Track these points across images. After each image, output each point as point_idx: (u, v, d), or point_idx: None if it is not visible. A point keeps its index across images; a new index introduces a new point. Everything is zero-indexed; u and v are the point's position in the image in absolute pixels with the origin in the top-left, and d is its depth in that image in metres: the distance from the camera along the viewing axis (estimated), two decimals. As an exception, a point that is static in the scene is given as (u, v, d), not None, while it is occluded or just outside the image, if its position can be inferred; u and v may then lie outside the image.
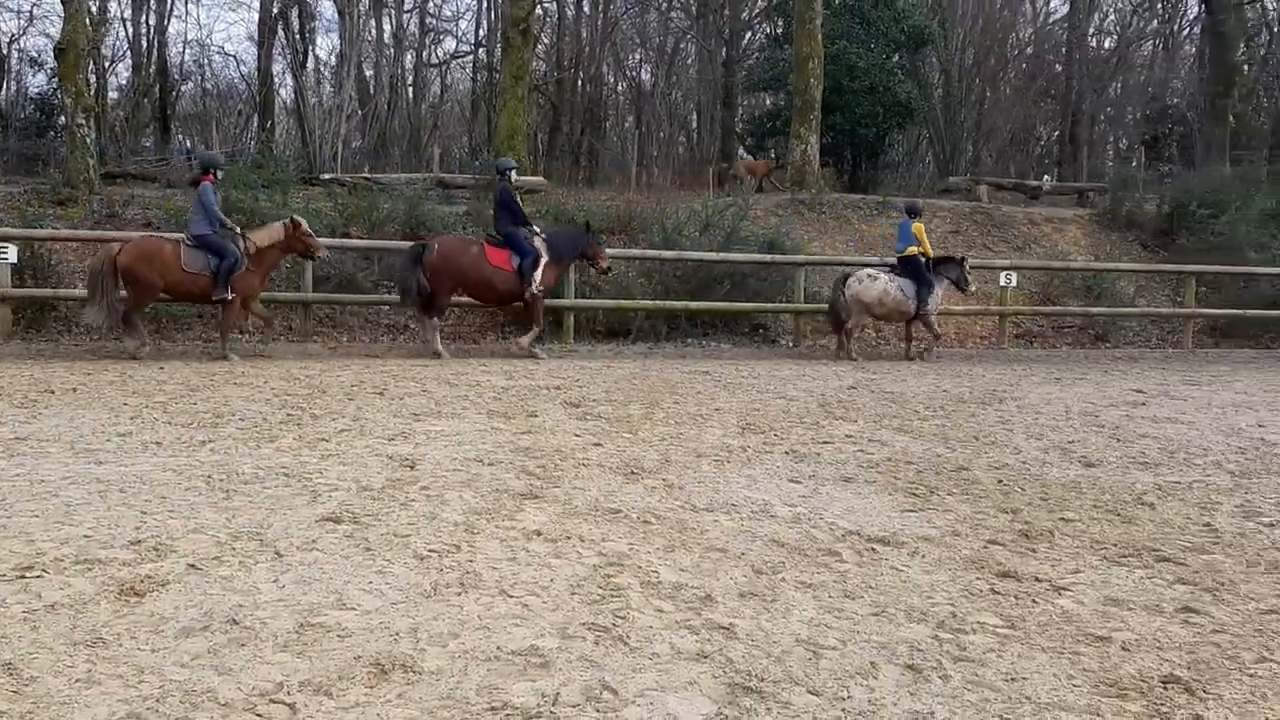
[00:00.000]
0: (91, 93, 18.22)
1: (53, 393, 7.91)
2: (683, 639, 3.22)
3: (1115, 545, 4.48)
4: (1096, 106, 34.11)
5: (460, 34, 37.55)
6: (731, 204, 16.44)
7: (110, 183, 16.42)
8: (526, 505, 4.79)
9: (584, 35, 33.75)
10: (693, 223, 15.59)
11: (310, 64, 30.10)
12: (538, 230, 12.09)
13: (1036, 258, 17.78)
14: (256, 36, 29.69)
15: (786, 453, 6.36)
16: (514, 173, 12.50)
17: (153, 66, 29.47)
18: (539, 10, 27.17)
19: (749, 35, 34.51)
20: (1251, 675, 3.12)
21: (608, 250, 12.94)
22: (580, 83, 33.56)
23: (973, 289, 13.92)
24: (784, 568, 4.00)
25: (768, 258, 14.76)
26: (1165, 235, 19.09)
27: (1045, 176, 25.58)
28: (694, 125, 37.17)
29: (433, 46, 35.75)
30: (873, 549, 4.31)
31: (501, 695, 2.78)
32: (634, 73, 37.78)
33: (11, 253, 11.99)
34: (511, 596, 3.55)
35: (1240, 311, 16.54)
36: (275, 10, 28.70)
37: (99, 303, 10.60)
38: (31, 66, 27.82)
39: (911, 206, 13.89)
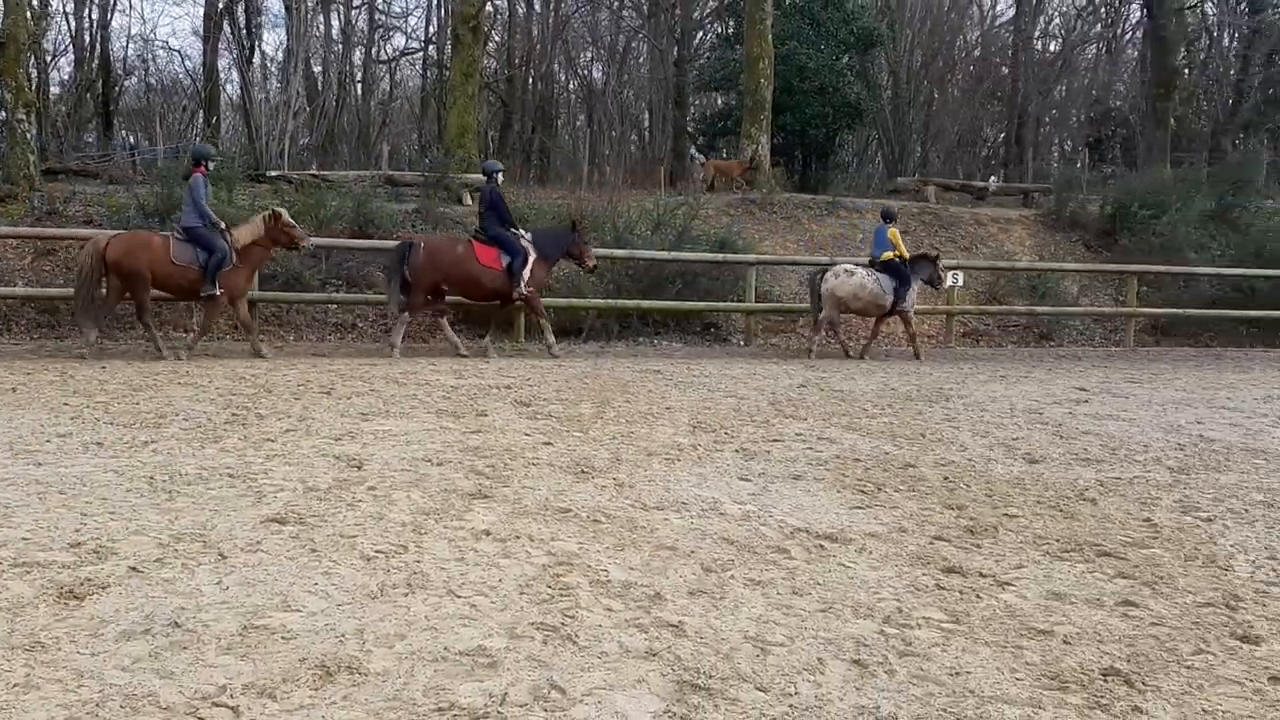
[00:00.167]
0: (32, 88, 17.85)
1: (-10, 393, 7.74)
2: (631, 637, 3.23)
3: (1058, 540, 4.56)
4: (1042, 109, 34.62)
5: (410, 30, 37.45)
6: (683, 203, 16.46)
7: (51, 179, 16.08)
8: (475, 505, 4.77)
9: (535, 33, 33.65)
10: (644, 221, 15.59)
11: (257, 59, 29.73)
12: (524, 232, 12.12)
13: (983, 258, 17.99)
14: (202, 31, 29.26)
15: (737, 451, 6.38)
16: (500, 175, 12.49)
17: (95, 61, 28.93)
18: (489, 7, 27.05)
19: (700, 35, 34.61)
20: (1189, 667, 3.19)
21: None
22: (531, 81, 33.46)
23: (945, 285, 14.10)
24: (733, 565, 4.02)
25: (719, 257, 14.80)
26: (1108, 235, 19.40)
27: (992, 178, 25.85)
28: (646, 124, 37.19)
29: (382, 43, 35.50)
30: (821, 546, 4.35)
31: (449, 696, 2.77)
32: (585, 71, 37.76)
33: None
34: (459, 597, 3.53)
35: (1180, 310, 16.86)
36: (221, 5, 28.29)
37: (82, 299, 10.48)
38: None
39: (887, 212, 14.03)
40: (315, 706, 2.69)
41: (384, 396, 8.07)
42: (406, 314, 11.83)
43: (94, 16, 29.36)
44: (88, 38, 29.39)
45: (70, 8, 29.07)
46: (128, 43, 39.84)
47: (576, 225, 12.64)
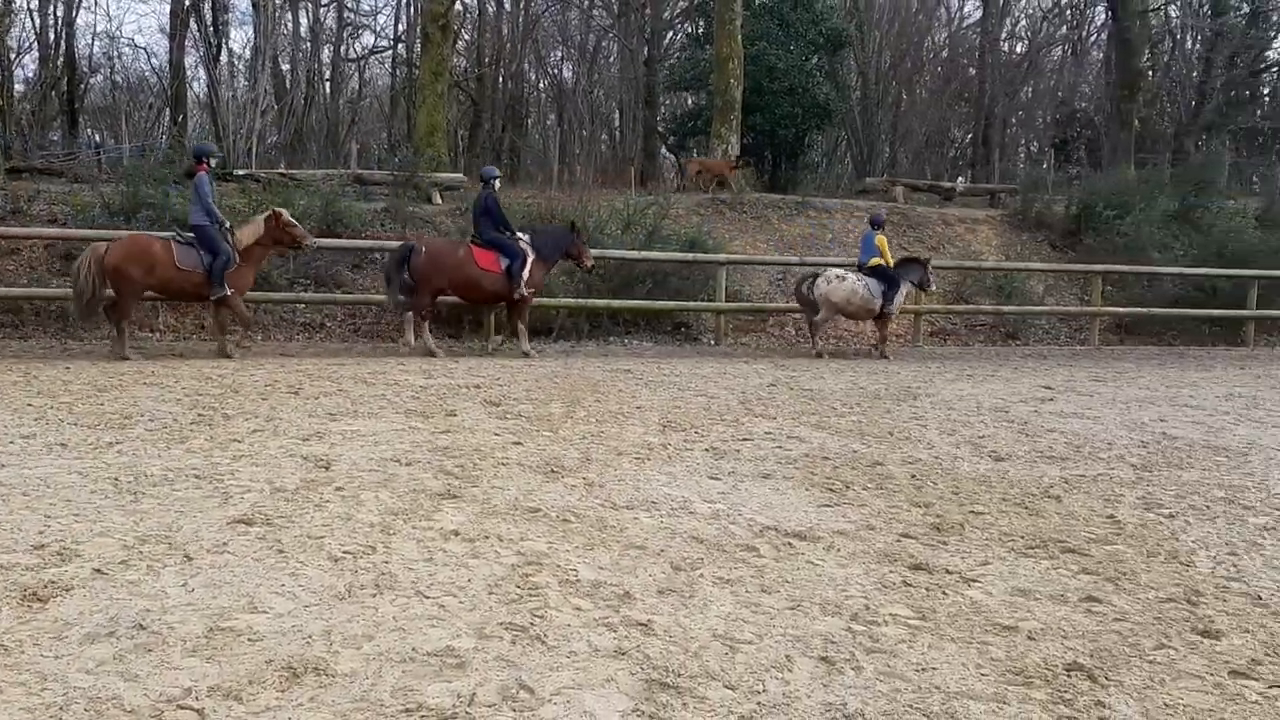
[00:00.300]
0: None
1: (-50, 394, 7.64)
2: (600, 637, 3.23)
3: (1023, 537, 4.60)
4: (1008, 110, 34.91)
5: (379, 29, 37.16)
6: (653, 202, 16.48)
7: (15, 178, 15.87)
8: (444, 505, 4.75)
9: (505, 32, 33.57)
10: (614, 221, 15.59)
11: (224, 57, 29.46)
12: (521, 235, 12.15)
13: (950, 257, 18.10)
14: (168, 29, 28.96)
15: (707, 450, 6.40)
16: (498, 182, 12.50)
17: (60, 59, 28.57)
18: (459, 6, 26.96)
19: (670, 35, 34.63)
20: (1151, 662, 3.23)
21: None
22: (501, 79, 33.36)
23: (934, 289, 14.28)
24: (702, 564, 4.04)
25: (690, 256, 14.83)
26: (1073, 235, 19.58)
27: (959, 178, 26.06)
28: (616, 124, 37.19)
29: (350, 41, 35.30)
30: (790, 544, 4.37)
31: (416, 697, 2.77)
32: (555, 70, 37.71)
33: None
34: (428, 597, 3.52)
35: (1144, 310, 17.06)
36: (187, 2, 28.01)
37: (81, 303, 10.41)
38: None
39: (876, 218, 14.15)
40: (282, 708, 2.68)
41: (352, 396, 8.02)
42: (419, 317, 11.88)
43: (59, 13, 29.02)
44: (52, 35, 29.04)
45: (35, 4, 28.69)
46: (93, 40, 39.50)
47: (575, 226, 12.74)
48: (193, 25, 28.77)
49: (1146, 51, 27.93)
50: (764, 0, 25.59)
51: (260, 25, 24.78)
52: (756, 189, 20.64)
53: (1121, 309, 17.08)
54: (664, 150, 33.06)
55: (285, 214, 11.13)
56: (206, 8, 29.23)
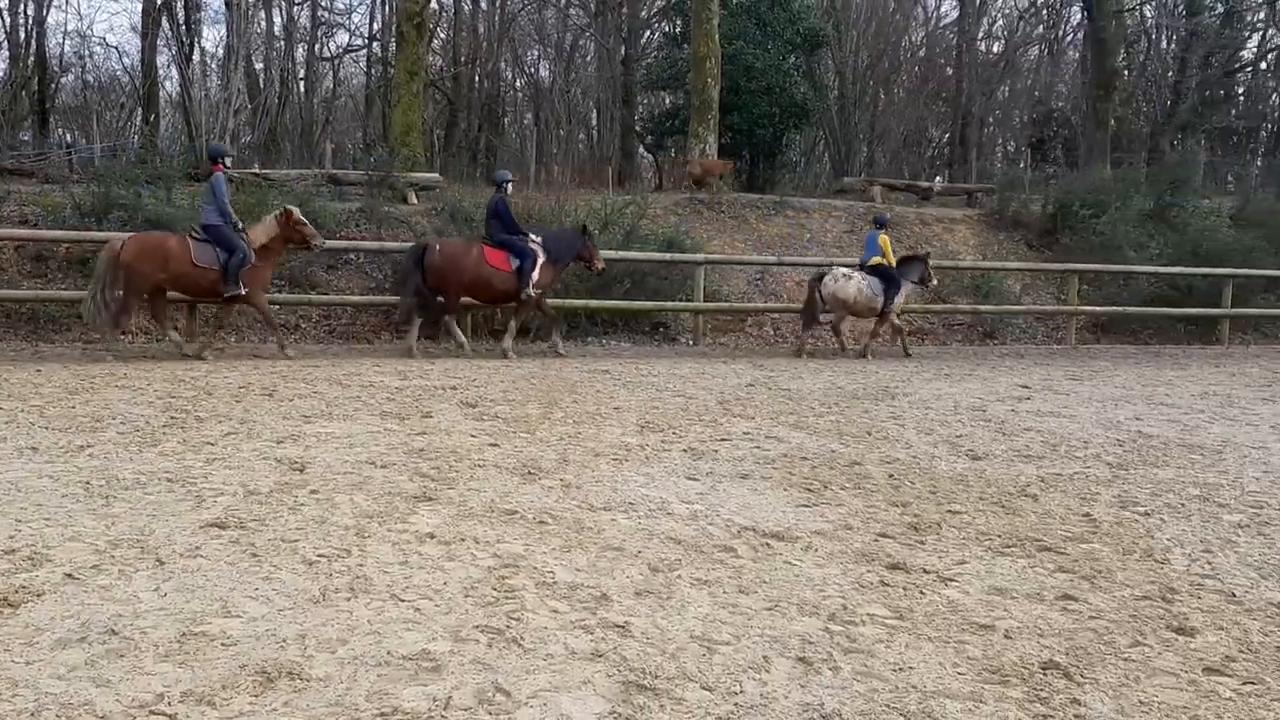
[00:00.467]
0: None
1: (-81, 397, 7.54)
2: (577, 639, 3.22)
3: (1000, 536, 4.61)
4: (985, 109, 35.09)
5: (353, 27, 36.81)
6: (630, 202, 16.46)
7: (-15, 178, 15.70)
8: (420, 508, 4.72)
9: (481, 30, 33.44)
10: (592, 220, 15.54)
11: (196, 56, 29.14)
12: (533, 236, 12.19)
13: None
14: (140, 27, 28.68)
15: (685, 450, 6.39)
16: (510, 185, 12.54)
17: (31, 58, 28.27)
18: (434, 4, 26.86)
19: (648, 34, 34.61)
20: (1126, 659, 3.24)
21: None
22: (477, 78, 33.24)
23: (934, 284, 14.44)
24: (680, 565, 4.02)
25: (667, 256, 14.81)
26: (1050, 235, 19.69)
27: (937, 178, 26.17)
28: (593, 123, 37.14)
29: (325, 40, 35.07)
30: (767, 544, 4.36)
31: (391, 700, 2.74)
32: (532, 69, 37.61)
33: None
34: (403, 600, 3.50)
35: (1120, 308, 17.18)
36: (160, 0, 27.77)
37: (95, 300, 10.36)
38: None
39: (880, 218, 14.35)
40: (256, 713, 2.65)
41: (327, 398, 7.97)
42: (451, 318, 12.12)
43: (29, 12, 28.72)
44: (23, 34, 28.72)
45: (5, 3, 28.39)
46: (64, 39, 39.17)
47: (586, 229, 12.86)
48: (165, 24, 28.51)
49: (1122, 51, 28.12)
50: (741, -1, 25.65)
51: (233, 23, 24.57)
52: (734, 189, 20.66)
53: (1098, 308, 17.19)
54: (641, 150, 33.03)
55: (296, 212, 11.16)
56: (179, 6, 28.97)
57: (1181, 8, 33.28)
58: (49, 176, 16.29)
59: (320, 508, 4.64)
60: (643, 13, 33.68)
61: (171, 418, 6.89)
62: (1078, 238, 18.77)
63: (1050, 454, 6.67)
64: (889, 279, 13.51)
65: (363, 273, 14.55)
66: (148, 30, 27.62)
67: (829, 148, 33.10)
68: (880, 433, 7.30)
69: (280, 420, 6.91)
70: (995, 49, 37.50)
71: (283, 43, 30.87)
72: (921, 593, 3.81)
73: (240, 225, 10.83)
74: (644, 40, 34.28)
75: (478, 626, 3.28)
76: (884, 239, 13.74)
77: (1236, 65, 34.72)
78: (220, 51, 31.37)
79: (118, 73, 34.18)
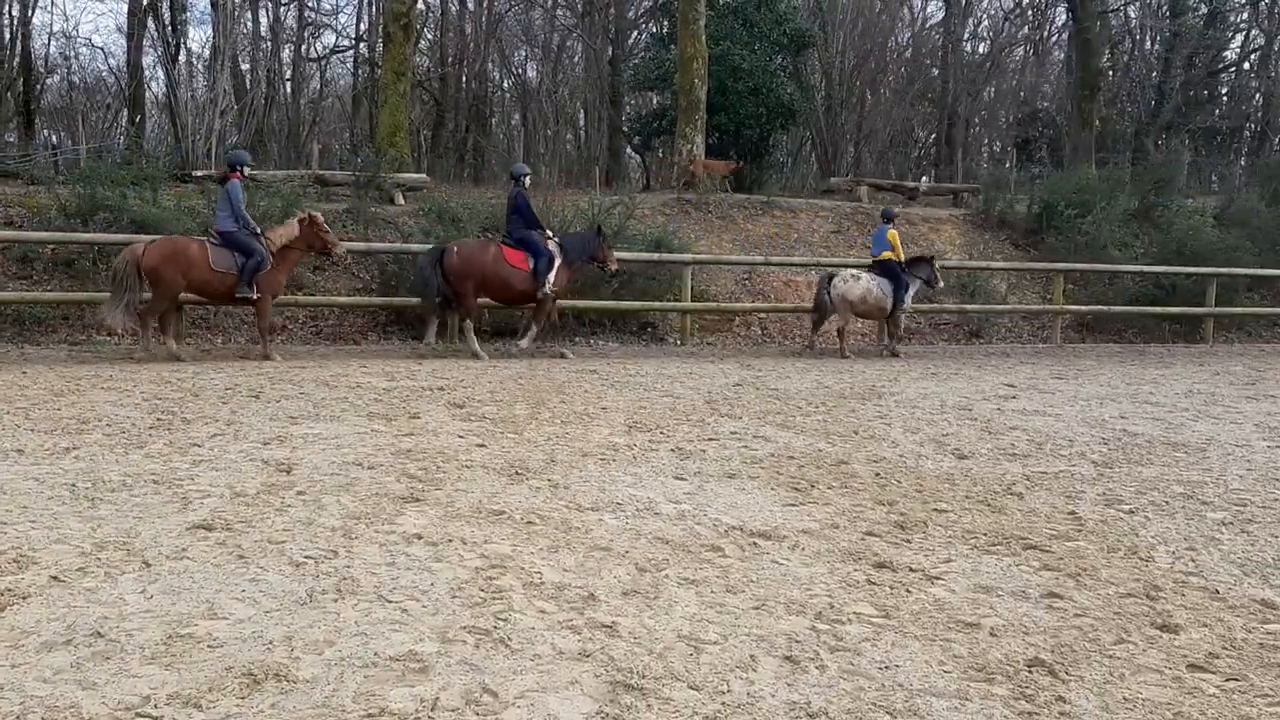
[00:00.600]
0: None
1: (-98, 400, 7.49)
2: (565, 639, 3.22)
3: (985, 534, 4.64)
4: (971, 110, 35.21)
5: (340, 28, 36.75)
6: (618, 202, 16.46)
7: (-31, 180, 15.62)
8: (407, 509, 4.72)
9: (468, 31, 33.40)
10: (580, 221, 15.55)
11: (182, 57, 29.02)
12: (550, 234, 12.26)
13: (914, 256, 18.23)
14: (126, 28, 28.53)
15: (672, 450, 6.40)
16: (528, 179, 12.56)
17: (16, 59, 28.09)
18: (421, 5, 26.83)
19: (635, 34, 34.63)
20: (1111, 656, 3.26)
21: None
22: (465, 79, 33.20)
23: (940, 285, 14.51)
24: (667, 565, 4.03)
25: (655, 256, 14.83)
26: (1035, 234, 19.77)
27: (923, 178, 26.32)
28: (581, 123, 37.14)
29: (311, 40, 34.98)
30: (755, 543, 4.37)
31: (379, 702, 2.74)
32: (520, 70, 37.60)
33: None
34: (390, 602, 3.50)
35: (1105, 308, 17.27)
36: (145, 1, 27.64)
37: (118, 304, 10.37)
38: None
39: (887, 213, 14.45)
40: (242, 715, 2.65)
41: (314, 400, 7.95)
42: (469, 321, 12.09)
43: (14, 13, 28.52)
44: (8, 35, 28.52)
45: (-11, 5, 28.24)
46: (49, 40, 38.90)
47: (601, 230, 12.93)
48: (151, 25, 28.37)
49: (1107, 52, 28.27)
50: (728, 0, 25.64)
51: (219, 24, 24.45)
52: (722, 189, 20.69)
53: (1083, 307, 17.28)
54: (629, 150, 33.05)
55: (319, 217, 11.13)
56: (165, 7, 28.80)
57: (1165, 8, 33.47)
58: (34, 178, 16.18)
59: (307, 509, 4.63)
60: (630, 13, 33.69)
61: (158, 419, 6.86)
62: (1063, 237, 18.84)
63: (1035, 452, 6.70)
64: (897, 279, 13.57)
65: (350, 273, 14.52)
66: (133, 31, 27.48)
67: (816, 148, 33.16)
68: (867, 432, 7.32)
69: (267, 421, 6.89)
70: (981, 50, 37.66)
71: (269, 43, 30.80)
72: (908, 591, 3.82)
73: (259, 231, 10.82)
74: (631, 41, 34.30)
75: (465, 627, 3.28)
76: (893, 233, 13.87)
77: (1220, 65, 34.96)
78: (206, 52, 31.20)
79: (103, 74, 34.04)
